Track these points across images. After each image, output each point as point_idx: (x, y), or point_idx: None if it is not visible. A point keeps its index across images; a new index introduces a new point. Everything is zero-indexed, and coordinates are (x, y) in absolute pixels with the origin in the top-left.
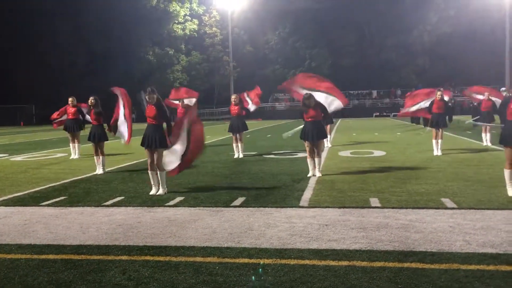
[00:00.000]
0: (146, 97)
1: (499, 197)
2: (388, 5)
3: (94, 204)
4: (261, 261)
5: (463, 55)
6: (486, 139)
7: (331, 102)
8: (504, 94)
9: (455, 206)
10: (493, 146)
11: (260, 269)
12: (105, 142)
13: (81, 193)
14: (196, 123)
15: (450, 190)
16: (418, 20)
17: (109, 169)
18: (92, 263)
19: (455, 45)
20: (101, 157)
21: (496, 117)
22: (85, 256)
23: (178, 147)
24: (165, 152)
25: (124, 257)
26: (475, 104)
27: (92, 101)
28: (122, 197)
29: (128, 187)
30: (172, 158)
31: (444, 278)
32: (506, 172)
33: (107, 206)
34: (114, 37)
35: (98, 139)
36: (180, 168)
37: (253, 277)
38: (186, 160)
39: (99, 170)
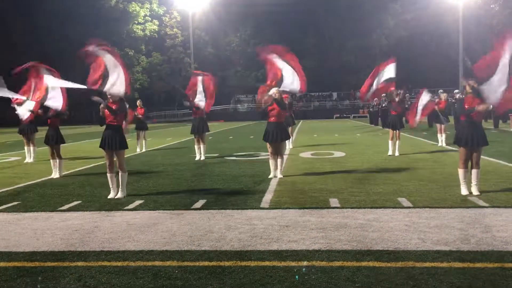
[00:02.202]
0: (108, 94)
1: (452, 195)
2: (347, 9)
3: (49, 209)
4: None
5: (420, 58)
6: (442, 140)
7: (293, 81)
8: (457, 96)
9: (411, 205)
10: (448, 147)
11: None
12: (62, 144)
13: (36, 198)
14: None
15: (406, 190)
16: (376, 24)
17: (66, 172)
18: (46, 270)
19: (412, 48)
20: (58, 160)
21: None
22: (38, 263)
23: None
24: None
25: (80, 263)
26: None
27: None
28: (79, 202)
29: (85, 191)
30: None
31: (400, 276)
32: (460, 172)
33: (63, 211)
34: (70, 37)
35: (55, 141)
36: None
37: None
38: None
39: (55, 174)
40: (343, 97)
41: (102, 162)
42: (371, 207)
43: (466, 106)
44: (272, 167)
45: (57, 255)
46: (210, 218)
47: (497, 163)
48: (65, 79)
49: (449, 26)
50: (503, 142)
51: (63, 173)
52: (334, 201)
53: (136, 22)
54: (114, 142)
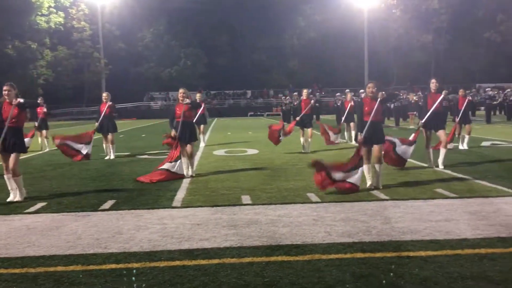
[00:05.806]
0: (4, 94)
1: None
2: (260, 8)
3: None
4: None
5: (329, 59)
6: (351, 137)
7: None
8: (363, 95)
9: (319, 200)
10: (356, 144)
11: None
12: None
13: None
14: None
15: (315, 185)
16: (288, 24)
17: None
18: None
19: (322, 49)
20: None
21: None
22: None
23: None
24: None
25: None
26: (339, 104)
27: None
28: None
29: None
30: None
31: (307, 269)
32: (364, 167)
33: None
34: None
35: None
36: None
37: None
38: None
39: None
40: (257, 95)
41: None
42: (282, 203)
43: (366, 108)
44: (184, 166)
45: None
46: (119, 218)
47: None
48: None
49: (356, 28)
50: None
51: None
52: (246, 198)
53: (40, 13)
54: (12, 144)
